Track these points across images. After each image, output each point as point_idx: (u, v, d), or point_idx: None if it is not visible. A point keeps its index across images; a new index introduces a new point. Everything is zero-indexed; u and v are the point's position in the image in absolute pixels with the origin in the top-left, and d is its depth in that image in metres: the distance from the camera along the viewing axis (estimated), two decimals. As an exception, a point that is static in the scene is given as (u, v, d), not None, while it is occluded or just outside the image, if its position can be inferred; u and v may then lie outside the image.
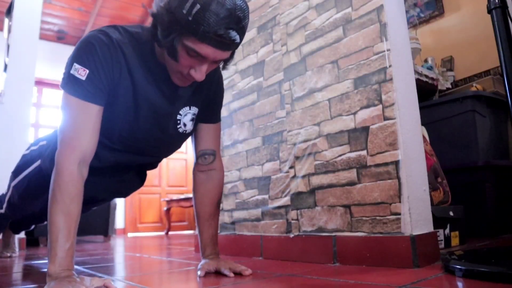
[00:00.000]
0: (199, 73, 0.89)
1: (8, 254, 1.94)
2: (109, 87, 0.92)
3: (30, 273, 1.35)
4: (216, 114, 1.19)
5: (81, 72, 0.88)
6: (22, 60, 2.70)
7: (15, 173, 1.25)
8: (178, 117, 1.06)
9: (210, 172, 1.19)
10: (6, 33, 2.97)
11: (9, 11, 2.88)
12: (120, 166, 1.13)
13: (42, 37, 4.12)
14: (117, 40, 0.92)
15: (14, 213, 1.48)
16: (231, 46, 0.85)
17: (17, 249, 2.03)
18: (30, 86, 2.73)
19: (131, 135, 1.01)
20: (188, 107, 1.07)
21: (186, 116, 1.07)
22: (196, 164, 1.20)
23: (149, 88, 0.97)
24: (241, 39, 0.87)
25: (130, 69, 0.94)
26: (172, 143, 1.13)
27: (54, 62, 4.79)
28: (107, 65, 0.90)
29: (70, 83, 0.89)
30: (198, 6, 0.79)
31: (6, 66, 2.74)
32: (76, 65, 0.88)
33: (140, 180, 1.29)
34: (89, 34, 0.93)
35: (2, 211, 1.46)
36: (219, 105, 1.19)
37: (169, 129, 1.06)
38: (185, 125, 1.08)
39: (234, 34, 0.82)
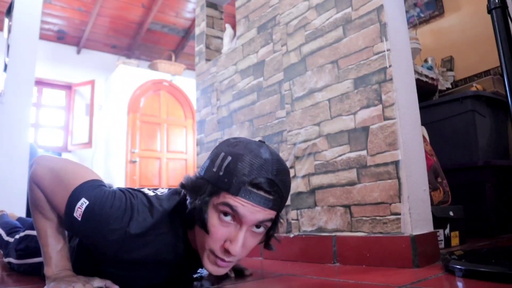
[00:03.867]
0: (235, 245, 0.72)
1: (8, 254, 1.93)
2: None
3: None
4: None
5: (78, 211, 0.74)
6: (22, 60, 2.70)
7: (19, 255, 1.15)
8: (191, 273, 1.00)
9: None
10: (6, 33, 2.97)
11: (9, 11, 2.88)
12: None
13: (42, 37, 4.12)
14: (132, 235, 0.75)
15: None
16: (272, 202, 0.73)
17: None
18: (30, 86, 2.73)
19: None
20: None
21: (199, 274, 1.03)
22: None
23: (157, 273, 0.87)
24: (283, 195, 0.75)
25: (140, 259, 0.80)
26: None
27: (54, 62, 4.79)
28: (92, 243, 0.78)
29: (73, 197, 0.76)
30: (229, 158, 0.72)
31: (6, 66, 2.74)
32: (83, 204, 0.74)
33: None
34: (120, 208, 0.75)
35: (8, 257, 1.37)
36: None
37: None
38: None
39: (273, 184, 0.72)
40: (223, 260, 0.76)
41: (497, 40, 0.95)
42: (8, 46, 2.78)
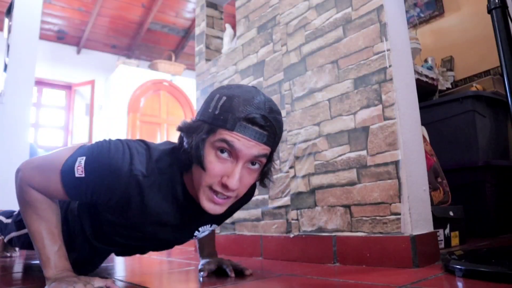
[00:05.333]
0: (233, 178, 0.74)
1: (8, 254, 1.93)
2: (97, 202, 0.83)
3: (30, 273, 1.35)
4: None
5: (79, 169, 0.77)
6: (22, 60, 2.70)
7: (18, 225, 1.17)
8: (196, 233, 0.99)
9: None
10: (6, 33, 2.97)
11: (9, 11, 2.88)
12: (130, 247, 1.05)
13: (42, 37, 4.12)
14: (136, 175, 0.77)
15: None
16: (266, 137, 0.75)
17: (17, 249, 2.03)
18: (30, 86, 2.73)
19: (138, 239, 0.95)
20: (210, 225, 1.00)
21: (204, 232, 1.02)
22: None
23: (161, 224, 0.88)
24: (277, 132, 0.77)
25: (144, 205, 0.81)
26: (181, 243, 1.06)
27: (54, 62, 4.79)
28: (104, 196, 0.80)
29: (69, 162, 0.79)
30: (224, 98, 0.74)
31: (6, 66, 2.74)
32: (82, 160, 0.77)
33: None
34: (118, 152, 0.78)
35: (5, 240, 1.40)
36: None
37: (183, 239, 1.02)
38: (198, 235, 1.01)
39: (267, 120, 0.74)
40: (221, 194, 0.77)
41: (497, 40, 0.95)
42: (8, 46, 2.78)
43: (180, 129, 0.80)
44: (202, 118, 0.77)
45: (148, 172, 0.79)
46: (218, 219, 1.02)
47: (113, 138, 0.85)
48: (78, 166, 0.77)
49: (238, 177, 0.75)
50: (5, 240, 1.31)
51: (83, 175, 0.77)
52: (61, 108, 5.06)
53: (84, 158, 0.78)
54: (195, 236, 1.01)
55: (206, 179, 0.76)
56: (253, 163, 0.77)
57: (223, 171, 0.75)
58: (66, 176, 0.79)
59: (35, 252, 0.83)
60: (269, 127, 0.75)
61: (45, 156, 0.86)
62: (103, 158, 0.77)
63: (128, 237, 0.94)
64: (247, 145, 0.73)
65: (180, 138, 0.81)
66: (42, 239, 0.81)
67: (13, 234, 1.21)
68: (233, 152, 0.74)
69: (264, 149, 0.76)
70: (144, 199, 0.80)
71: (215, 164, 0.75)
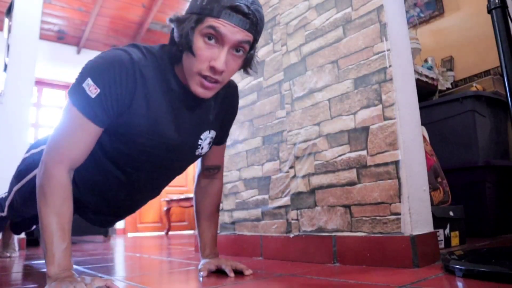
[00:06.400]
0: (219, 61, 0.83)
1: (8, 254, 1.94)
2: (118, 112, 0.87)
3: (30, 273, 1.35)
4: (226, 136, 1.19)
5: (92, 89, 0.83)
6: (22, 60, 2.70)
7: (18, 177, 1.21)
8: (199, 142, 1.04)
9: (213, 180, 1.22)
10: (6, 33, 2.97)
11: (9, 11, 2.88)
12: (127, 185, 1.08)
13: (42, 37, 4.13)
14: (139, 63, 0.88)
15: (16, 216, 1.46)
16: (248, 25, 0.83)
17: (17, 249, 2.03)
18: (30, 86, 2.73)
19: (143, 159, 0.98)
20: (208, 131, 1.05)
21: (206, 140, 1.05)
22: (201, 172, 1.22)
23: (165, 121, 0.93)
24: (259, 22, 0.85)
25: (149, 95, 0.90)
26: (185, 165, 1.10)
27: (54, 62, 4.79)
28: (122, 90, 0.85)
29: (79, 95, 0.84)
30: None
31: (6, 66, 2.74)
32: (89, 81, 0.83)
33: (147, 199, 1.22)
34: (111, 52, 0.87)
35: (4, 214, 1.44)
36: (231, 126, 1.19)
37: (187, 154, 1.04)
38: (202, 148, 1.06)
39: (249, 9, 0.82)
40: (210, 77, 0.85)
41: (497, 40, 0.95)
42: (8, 46, 2.78)
43: (171, 20, 0.87)
44: (191, 10, 0.84)
45: (145, 62, 0.89)
46: (215, 124, 1.06)
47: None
48: (90, 87, 0.83)
49: (224, 59, 0.83)
50: (5, 210, 1.35)
51: (98, 90, 0.83)
52: (61, 108, 5.06)
53: (89, 78, 0.83)
54: (199, 153, 1.06)
55: (196, 64, 0.85)
56: (237, 50, 0.86)
57: (210, 56, 0.84)
58: (87, 107, 0.84)
59: (41, 246, 0.84)
60: (252, 15, 0.83)
61: (57, 128, 0.89)
62: (103, 63, 0.85)
63: (136, 154, 0.96)
64: (232, 30, 0.82)
65: (171, 31, 0.88)
66: (51, 235, 0.82)
67: (15, 187, 1.23)
68: (219, 38, 0.82)
69: (247, 35, 0.84)
70: (148, 89, 0.89)
71: (203, 50, 0.83)
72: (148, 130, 0.92)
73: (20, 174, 1.20)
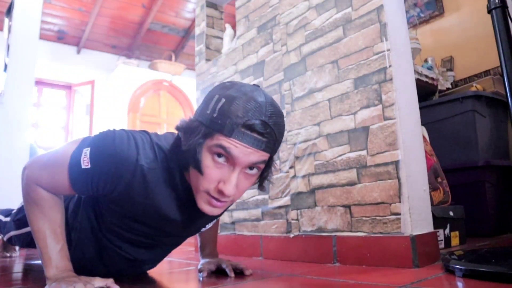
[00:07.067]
0: (229, 185, 0.73)
1: (8, 254, 1.93)
2: (103, 193, 0.82)
3: (30, 273, 1.35)
4: None
5: (85, 161, 0.77)
6: (22, 60, 2.70)
7: (17, 224, 1.17)
8: (203, 229, 1.04)
9: None
10: (6, 33, 2.97)
11: (9, 11, 2.88)
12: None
13: (42, 37, 4.12)
14: (142, 166, 0.78)
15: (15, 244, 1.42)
16: (265, 144, 0.73)
17: (17, 249, 2.03)
18: (30, 86, 2.73)
19: (145, 234, 0.94)
20: (215, 219, 1.04)
21: (209, 224, 1.04)
22: None
23: (171, 208, 0.87)
24: (277, 138, 0.75)
25: (150, 199, 0.82)
26: (186, 238, 1.07)
27: (54, 62, 4.79)
28: (111, 182, 0.78)
29: (76, 155, 0.79)
30: (223, 100, 0.72)
31: (6, 66, 2.74)
32: (87, 151, 0.78)
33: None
34: (124, 142, 0.78)
35: (5, 239, 1.40)
36: None
37: (191, 233, 1.03)
38: (206, 227, 1.05)
39: (267, 126, 0.72)
40: (217, 200, 0.77)
41: (497, 40, 0.95)
42: (8, 46, 2.78)
43: (178, 128, 0.79)
44: (200, 119, 0.75)
45: (153, 165, 0.79)
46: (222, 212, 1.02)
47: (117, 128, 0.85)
48: (84, 157, 0.77)
49: (234, 183, 0.74)
50: (5, 239, 1.31)
51: (89, 166, 0.77)
52: (61, 108, 5.06)
53: (89, 149, 0.78)
54: (206, 227, 1.04)
55: (203, 183, 0.76)
56: (251, 168, 0.76)
57: (219, 176, 0.75)
58: (73, 169, 0.79)
59: (37, 251, 0.83)
60: (269, 133, 0.73)
61: (50, 153, 0.86)
62: (108, 147, 0.77)
63: (134, 230, 0.92)
64: (245, 152, 0.72)
65: (178, 137, 0.81)
66: (45, 238, 0.81)
67: (13, 233, 1.20)
68: (230, 158, 0.73)
69: (262, 155, 0.75)
70: (149, 194, 0.81)
71: (212, 169, 0.74)
72: (146, 213, 0.86)
73: (20, 222, 1.16)
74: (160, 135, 0.87)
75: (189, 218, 0.91)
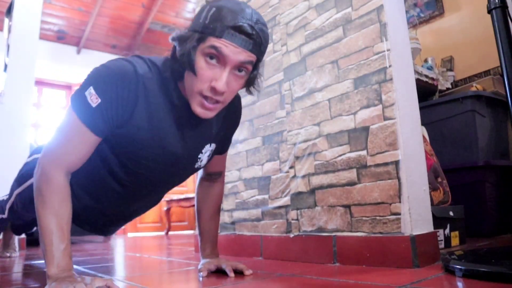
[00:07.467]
0: (220, 82, 0.81)
1: (8, 254, 1.94)
2: (117, 124, 0.87)
3: (30, 273, 1.35)
4: (228, 145, 1.18)
5: (93, 99, 0.82)
6: (22, 60, 2.70)
7: (19, 181, 1.21)
8: (200, 155, 1.03)
9: (215, 182, 1.22)
10: (6, 33, 2.97)
11: (9, 11, 2.88)
12: (124, 201, 1.08)
13: (42, 37, 4.12)
14: (143, 76, 0.86)
15: (16, 219, 1.46)
16: (251, 45, 0.81)
17: (17, 249, 2.03)
18: (30, 86, 2.73)
19: (142, 173, 0.97)
20: (209, 144, 1.04)
21: (206, 153, 1.05)
22: (203, 176, 1.22)
23: (169, 135, 0.93)
24: (262, 42, 0.83)
25: (152, 108, 0.89)
26: (184, 178, 1.10)
27: (54, 62, 4.79)
28: (123, 103, 0.84)
29: (80, 103, 0.84)
30: (214, 9, 0.80)
31: (6, 66, 2.74)
32: (91, 89, 0.82)
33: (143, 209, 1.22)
34: (117, 62, 0.87)
35: (4, 216, 1.43)
36: (232, 136, 1.19)
37: (186, 168, 1.04)
38: (201, 161, 1.06)
39: (253, 29, 0.80)
40: (211, 99, 0.84)
41: (497, 40, 0.95)
42: (8, 46, 2.78)
43: (173, 38, 0.85)
44: (193, 28, 0.82)
45: (149, 75, 0.87)
46: (216, 137, 1.05)
47: None
48: (91, 97, 0.82)
49: (225, 80, 0.82)
50: (6, 213, 1.34)
51: (99, 101, 0.82)
52: (61, 108, 5.06)
53: (91, 87, 0.83)
54: (198, 166, 1.06)
55: (197, 84, 0.83)
56: (239, 70, 0.84)
57: (212, 76, 0.82)
58: (86, 116, 0.83)
59: (41, 246, 0.83)
60: (255, 36, 0.81)
61: (56, 132, 0.88)
62: (107, 74, 0.83)
63: (137, 165, 0.95)
64: (234, 51, 0.80)
65: (173, 48, 0.87)
66: (50, 235, 0.82)
67: (16, 191, 1.22)
68: (221, 58, 0.81)
69: (249, 56, 0.82)
70: (150, 103, 0.87)
71: (205, 70, 0.82)
72: (150, 144, 0.91)
73: (21, 177, 1.19)
74: (151, 56, 0.94)
75: (184, 131, 0.95)
